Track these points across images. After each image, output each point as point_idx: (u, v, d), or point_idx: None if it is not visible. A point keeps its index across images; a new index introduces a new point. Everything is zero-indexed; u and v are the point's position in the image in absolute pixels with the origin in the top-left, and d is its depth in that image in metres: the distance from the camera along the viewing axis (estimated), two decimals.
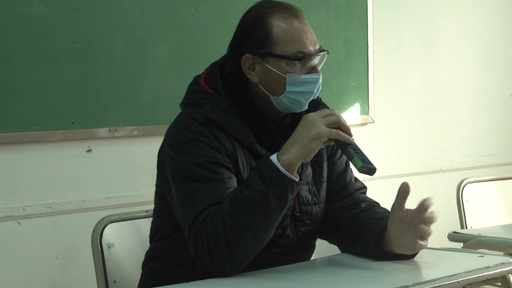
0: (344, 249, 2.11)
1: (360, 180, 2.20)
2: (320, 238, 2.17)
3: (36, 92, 2.99)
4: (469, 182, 3.22)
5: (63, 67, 3.04)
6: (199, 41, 3.37)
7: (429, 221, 1.88)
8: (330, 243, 2.17)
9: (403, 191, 1.91)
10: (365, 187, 2.19)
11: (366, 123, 4.08)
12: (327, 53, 2.03)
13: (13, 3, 2.92)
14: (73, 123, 3.08)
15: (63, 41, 3.04)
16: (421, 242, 1.89)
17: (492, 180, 3.36)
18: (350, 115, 3.98)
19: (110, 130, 3.17)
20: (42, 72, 3.00)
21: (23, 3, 2.94)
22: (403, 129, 4.26)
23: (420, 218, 1.88)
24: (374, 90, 4.08)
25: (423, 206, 1.88)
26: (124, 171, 3.24)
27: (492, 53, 4.63)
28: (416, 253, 1.96)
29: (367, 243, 1.97)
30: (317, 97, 2.06)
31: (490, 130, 4.63)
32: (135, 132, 3.24)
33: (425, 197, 1.90)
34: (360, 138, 3.90)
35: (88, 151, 3.16)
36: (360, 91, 4.02)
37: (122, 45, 3.18)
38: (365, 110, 4.06)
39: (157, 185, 2.08)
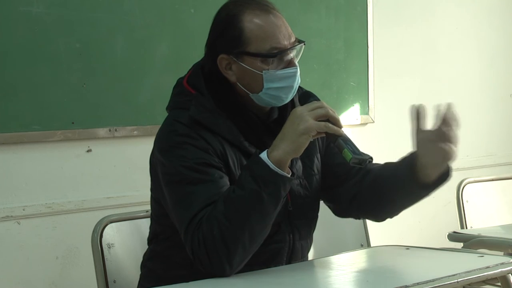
0: (379, 215, 2.11)
1: (365, 153, 2.19)
2: (341, 216, 2.16)
3: (36, 92, 2.99)
4: (469, 182, 3.22)
5: (63, 67, 3.05)
6: (199, 41, 3.33)
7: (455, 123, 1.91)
8: (356, 219, 2.17)
9: (421, 112, 1.93)
10: (371, 158, 2.18)
11: (366, 123, 4.08)
12: (304, 44, 2.01)
13: (13, 3, 2.92)
14: (73, 123, 3.08)
15: (63, 41, 3.04)
16: (453, 148, 1.91)
17: (492, 180, 3.36)
18: (350, 115, 3.98)
19: (110, 130, 3.18)
20: (42, 72, 3.00)
21: (23, 3, 2.94)
22: (403, 129, 4.24)
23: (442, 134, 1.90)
24: (374, 90, 4.08)
25: (448, 116, 1.91)
26: (124, 171, 3.24)
27: (492, 53, 4.63)
28: (448, 174, 1.96)
29: (406, 184, 1.98)
30: (306, 90, 2.06)
31: (490, 130, 4.63)
32: (135, 132, 3.24)
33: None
34: (360, 138, 3.91)
35: (88, 151, 3.16)
36: (360, 91, 4.02)
37: (122, 45, 3.18)
38: (365, 110, 4.06)
39: (151, 190, 2.08)
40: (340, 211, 2.16)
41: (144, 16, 3.24)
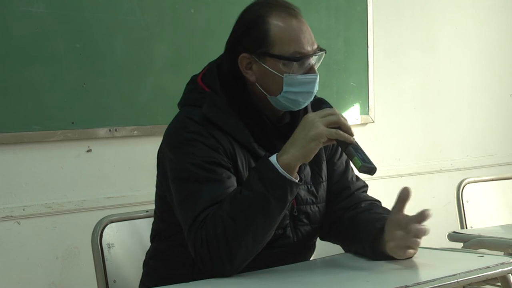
0: (345, 249, 2.12)
1: (362, 179, 2.20)
2: (323, 240, 2.17)
3: (36, 92, 2.99)
4: (469, 182, 3.21)
5: (63, 67, 3.05)
6: (199, 41, 3.37)
7: (421, 233, 1.90)
8: (333, 243, 2.17)
9: (404, 195, 1.92)
10: (366, 186, 2.19)
11: (366, 123, 4.08)
12: (325, 53, 2.02)
13: (13, 3, 2.92)
14: (73, 123, 3.08)
15: (63, 41, 3.04)
16: (409, 251, 1.92)
17: (492, 180, 3.36)
18: (350, 115, 3.98)
19: (110, 130, 3.17)
20: (42, 72, 3.00)
21: (23, 3, 2.94)
22: (403, 129, 4.26)
23: (414, 228, 1.89)
24: (374, 90, 4.08)
25: (422, 216, 1.90)
26: (124, 171, 3.24)
27: (492, 53, 4.63)
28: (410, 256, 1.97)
29: (364, 243, 1.98)
30: (319, 97, 2.06)
31: (490, 130, 4.63)
32: (135, 132, 3.24)
33: (425, 206, 1.90)
34: (360, 138, 3.89)
35: (88, 151, 3.16)
36: (360, 91, 4.02)
37: (122, 45, 3.18)
38: (365, 110, 4.06)
39: (157, 186, 2.08)
40: (322, 233, 2.15)
41: (144, 16, 3.24)
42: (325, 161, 2.12)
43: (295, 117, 2.04)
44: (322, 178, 2.10)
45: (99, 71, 3.13)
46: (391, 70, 4.19)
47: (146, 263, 2.15)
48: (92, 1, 3.10)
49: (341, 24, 3.91)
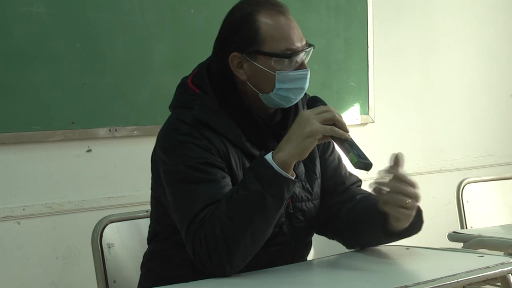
0: (349, 245, 2.11)
1: (355, 175, 2.20)
2: (319, 234, 2.17)
3: (36, 92, 2.99)
4: (469, 182, 3.21)
5: (63, 67, 3.05)
6: (199, 41, 3.37)
7: (407, 191, 1.89)
8: (330, 239, 2.17)
9: (396, 161, 1.91)
10: (360, 181, 2.19)
11: (366, 123, 4.08)
12: (313, 47, 2.02)
13: (13, 3, 2.92)
14: (73, 123, 3.08)
15: (63, 41, 3.04)
16: (402, 210, 1.90)
17: (492, 180, 3.36)
18: (350, 115, 3.98)
19: (110, 130, 3.18)
20: (42, 72, 3.00)
21: (23, 3, 2.94)
22: (403, 129, 4.26)
23: (399, 185, 1.89)
24: (374, 90, 4.08)
25: (396, 161, 1.90)
26: (124, 171, 3.24)
27: (492, 53, 4.63)
28: (417, 227, 1.97)
29: (373, 228, 1.97)
30: (313, 95, 2.06)
31: (490, 130, 4.63)
32: (135, 132, 3.24)
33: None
34: (360, 138, 3.90)
35: (88, 151, 3.16)
36: (360, 91, 4.03)
37: (122, 45, 3.18)
38: (365, 110, 4.06)
39: (152, 188, 2.08)
40: (318, 227, 2.15)
41: (144, 16, 3.24)
42: (318, 158, 2.12)
43: (286, 115, 2.05)
44: (316, 175, 2.10)
45: (99, 71, 3.13)
46: (391, 70, 4.19)
47: (143, 265, 2.15)
48: (92, 1, 3.11)
49: (341, 24, 3.91)
